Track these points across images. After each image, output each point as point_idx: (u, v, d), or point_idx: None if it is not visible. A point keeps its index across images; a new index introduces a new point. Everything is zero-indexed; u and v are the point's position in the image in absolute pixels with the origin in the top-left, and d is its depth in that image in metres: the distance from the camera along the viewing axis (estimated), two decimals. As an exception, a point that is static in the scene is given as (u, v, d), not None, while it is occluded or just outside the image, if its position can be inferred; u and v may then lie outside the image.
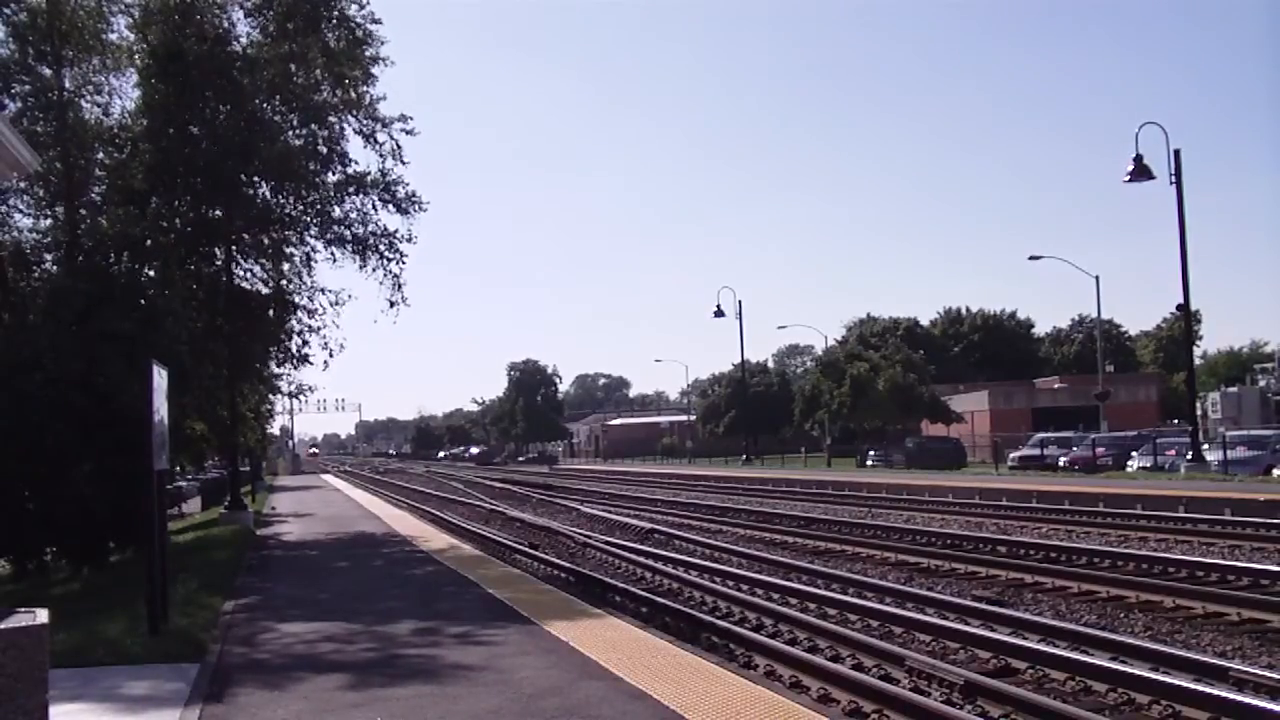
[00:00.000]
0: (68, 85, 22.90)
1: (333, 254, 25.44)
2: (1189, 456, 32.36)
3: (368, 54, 24.09)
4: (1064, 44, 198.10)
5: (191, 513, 32.64)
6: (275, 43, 23.99)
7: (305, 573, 16.13)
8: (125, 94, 24.09)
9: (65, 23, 21.92)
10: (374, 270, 25.43)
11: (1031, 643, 9.38)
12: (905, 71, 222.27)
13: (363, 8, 23.78)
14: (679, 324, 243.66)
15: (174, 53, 22.25)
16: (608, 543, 20.13)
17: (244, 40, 24.17)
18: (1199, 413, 41.01)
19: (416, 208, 25.27)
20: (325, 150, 24.86)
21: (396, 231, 25.36)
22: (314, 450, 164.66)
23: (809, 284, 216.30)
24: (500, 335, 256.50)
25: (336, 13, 23.69)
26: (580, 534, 22.35)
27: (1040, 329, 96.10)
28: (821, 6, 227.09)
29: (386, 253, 25.25)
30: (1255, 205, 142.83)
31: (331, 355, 26.65)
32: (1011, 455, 45.89)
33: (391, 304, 25.76)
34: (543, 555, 18.91)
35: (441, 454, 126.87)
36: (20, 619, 5.25)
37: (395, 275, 25.49)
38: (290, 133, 24.74)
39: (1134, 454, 38.81)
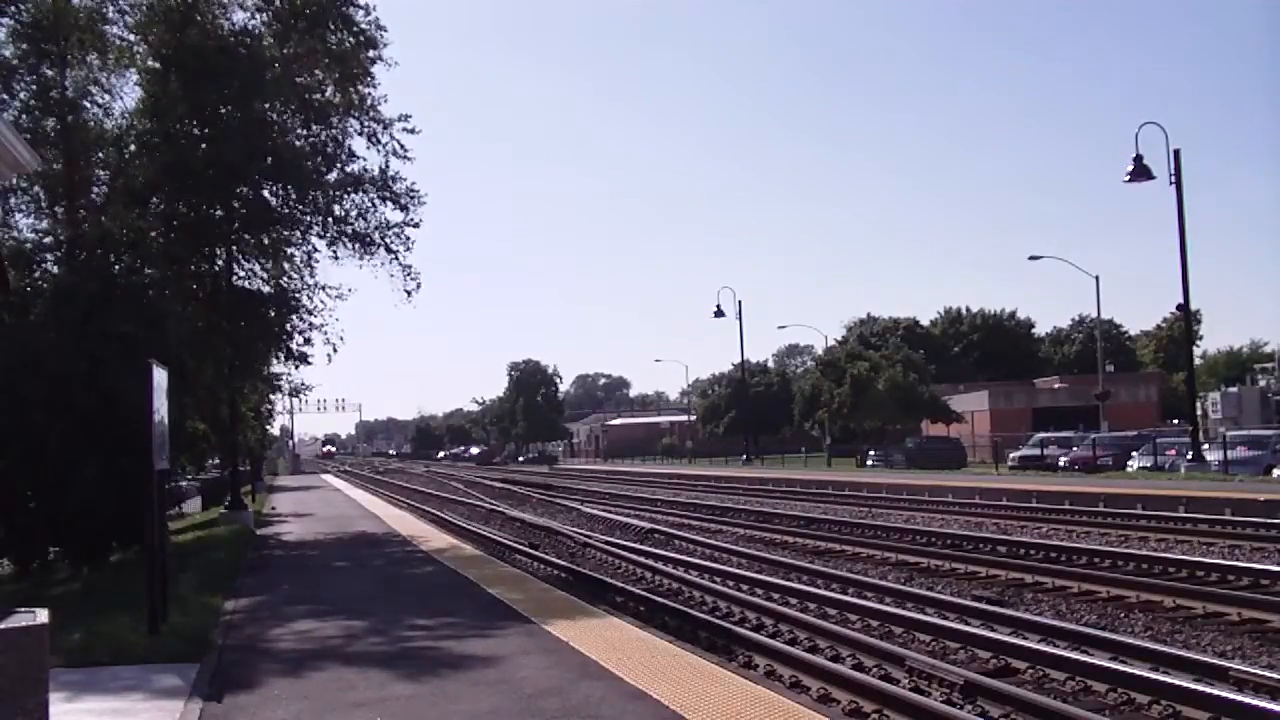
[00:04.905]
0: (69, 85, 22.90)
1: (335, 252, 25.59)
2: (1189, 456, 32.36)
3: (371, 55, 24.18)
4: (1064, 44, 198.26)
5: (192, 513, 32.61)
6: (279, 43, 24.03)
7: (305, 573, 16.14)
8: (127, 94, 24.13)
9: (68, 23, 21.91)
10: (382, 265, 25.69)
11: (1031, 643, 9.38)
12: (905, 71, 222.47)
13: (369, 13, 23.91)
14: (679, 324, 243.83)
15: (176, 52, 22.27)
16: (608, 542, 20.13)
17: (247, 40, 24.17)
18: (1199, 413, 41.00)
19: (415, 202, 25.49)
20: (328, 150, 24.98)
21: (403, 221, 25.58)
22: (328, 448, 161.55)
23: (809, 284, 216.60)
24: (500, 335, 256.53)
25: (341, 16, 23.74)
26: (580, 534, 22.35)
27: (1040, 329, 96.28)
28: (822, 6, 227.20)
29: (393, 244, 25.45)
30: (1255, 205, 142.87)
31: (335, 350, 26.72)
32: (1011, 455, 45.86)
33: (408, 293, 26.10)
34: (543, 555, 18.91)
35: (441, 454, 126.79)
36: (20, 619, 5.26)
37: (406, 266, 25.77)
38: (293, 133, 24.80)
39: (1134, 454, 38.82)
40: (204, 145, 22.73)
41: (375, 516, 28.31)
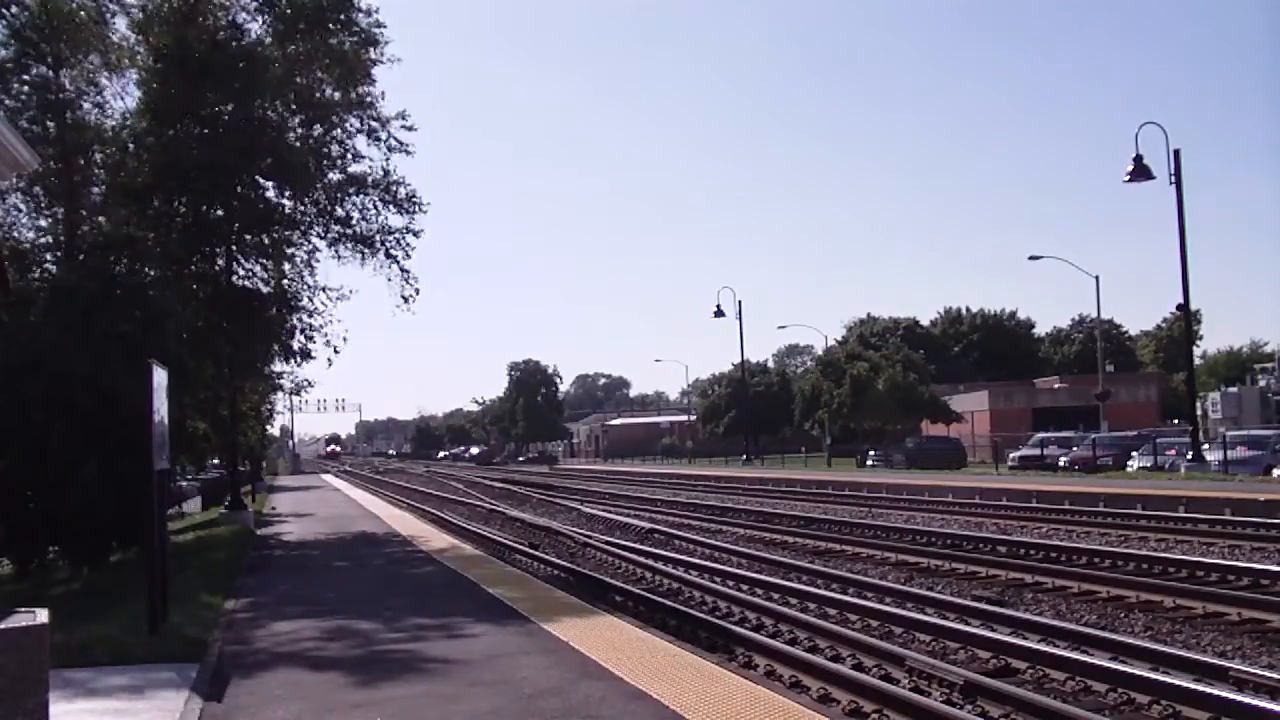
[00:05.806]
0: (67, 85, 22.88)
1: (337, 252, 25.63)
2: (1189, 456, 32.35)
3: (372, 54, 24.23)
4: (1064, 44, 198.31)
5: (192, 513, 32.64)
6: (280, 43, 24.04)
7: (305, 572, 16.13)
8: (126, 94, 24.12)
9: (65, 22, 21.88)
10: (381, 268, 25.74)
11: (1031, 643, 9.38)
12: (905, 71, 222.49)
13: (369, 14, 23.93)
14: (679, 324, 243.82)
15: (176, 52, 22.27)
16: (608, 542, 20.12)
17: (249, 40, 24.20)
18: (1199, 413, 41.01)
19: (417, 207, 25.56)
20: (329, 150, 25.03)
21: (405, 228, 25.64)
22: (333, 448, 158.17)
23: (809, 284, 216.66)
24: (500, 335, 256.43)
25: (342, 17, 23.77)
26: (580, 534, 22.34)
27: (1040, 329, 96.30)
28: (822, 6, 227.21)
29: (393, 249, 25.50)
30: (1255, 205, 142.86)
31: (337, 351, 26.71)
32: (1011, 455, 45.86)
33: (405, 299, 26.09)
34: (543, 555, 18.91)
35: (441, 454, 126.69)
36: (20, 619, 5.26)
37: (405, 271, 25.81)
38: (293, 133, 24.82)
39: (1134, 454, 38.81)
40: (203, 145, 22.73)
41: (375, 516, 28.30)
